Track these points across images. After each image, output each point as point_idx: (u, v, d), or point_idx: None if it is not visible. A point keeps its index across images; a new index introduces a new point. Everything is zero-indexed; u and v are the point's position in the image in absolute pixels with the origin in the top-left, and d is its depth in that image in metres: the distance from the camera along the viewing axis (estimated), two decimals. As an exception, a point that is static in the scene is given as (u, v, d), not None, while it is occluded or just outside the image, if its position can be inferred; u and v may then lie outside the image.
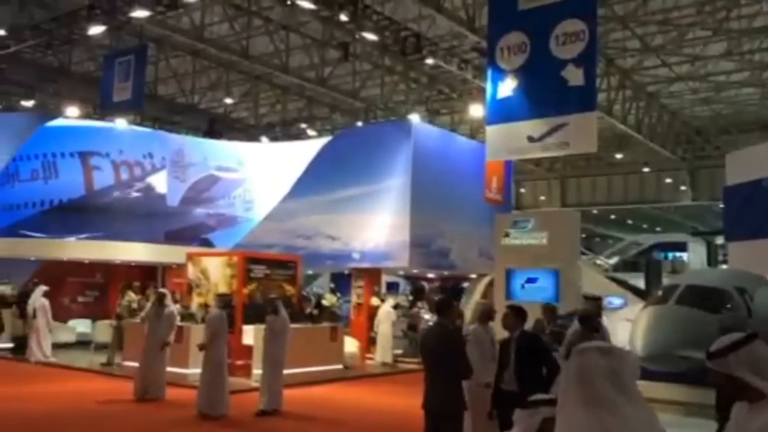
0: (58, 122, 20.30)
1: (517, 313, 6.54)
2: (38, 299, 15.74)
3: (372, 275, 18.77)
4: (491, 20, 12.94)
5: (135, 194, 20.56)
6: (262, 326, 10.92)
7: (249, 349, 13.29)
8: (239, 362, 13.25)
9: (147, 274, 20.34)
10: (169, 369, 11.47)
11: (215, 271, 15.10)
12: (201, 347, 10.28)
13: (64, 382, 13.12)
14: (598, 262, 32.88)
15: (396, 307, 17.91)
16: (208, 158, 22.18)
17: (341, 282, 21.67)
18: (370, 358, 17.25)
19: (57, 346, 16.36)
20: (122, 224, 19.37)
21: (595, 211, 36.30)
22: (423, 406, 6.02)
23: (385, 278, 20.88)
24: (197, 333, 12.02)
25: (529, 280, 13.64)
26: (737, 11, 18.88)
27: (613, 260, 36.33)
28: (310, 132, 27.43)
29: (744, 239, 13.58)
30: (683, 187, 31.14)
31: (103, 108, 20.08)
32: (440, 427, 5.93)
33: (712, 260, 36.06)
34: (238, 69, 25.18)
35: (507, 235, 14.36)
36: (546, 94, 11.46)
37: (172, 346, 11.57)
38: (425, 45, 18.21)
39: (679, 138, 29.07)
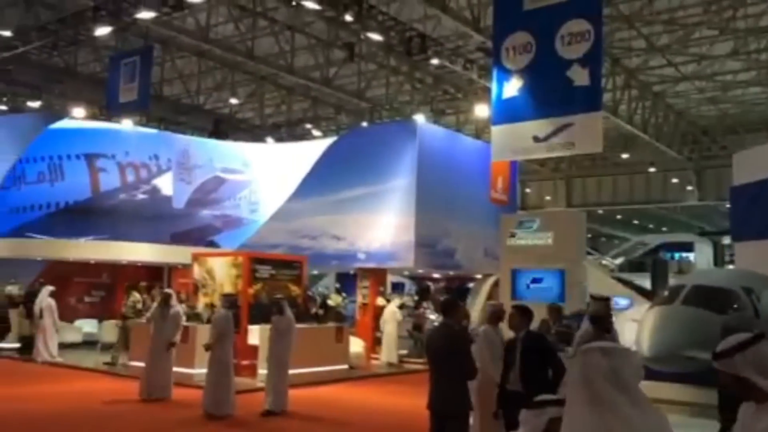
0: (64, 124, 20.37)
1: (522, 313, 6.54)
2: (45, 299, 15.79)
3: (377, 275, 18.77)
4: (496, 20, 12.92)
5: (141, 196, 20.63)
6: (268, 326, 10.93)
7: (254, 349, 13.31)
8: (245, 362, 13.27)
9: (153, 275, 20.38)
10: (175, 369, 11.49)
11: (221, 272, 15.14)
12: (207, 347, 10.30)
13: (70, 382, 13.16)
14: (604, 262, 32.77)
15: (401, 307, 17.90)
16: (214, 160, 22.23)
17: (347, 282, 21.68)
18: (376, 358, 17.25)
19: (63, 346, 16.42)
20: (128, 227, 19.44)
21: (600, 211, 36.22)
22: (428, 406, 6.02)
23: (391, 278, 20.89)
24: (203, 333, 12.03)
25: (535, 280, 13.63)
26: (743, 10, 18.82)
27: (619, 260, 36.22)
28: (316, 132, 27.46)
29: (751, 239, 13.51)
30: (689, 187, 31.04)
31: (109, 109, 20.14)
32: (445, 427, 5.93)
33: (718, 260, 35.92)
34: (243, 69, 25.22)
35: (512, 235, 14.35)
36: (551, 94, 11.44)
37: (177, 346, 11.59)
38: (430, 45, 18.20)
39: (686, 138, 28.99)
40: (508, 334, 7.06)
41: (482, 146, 19.40)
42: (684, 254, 39.54)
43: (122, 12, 17.03)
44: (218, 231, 22.09)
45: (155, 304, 12.56)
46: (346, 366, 14.92)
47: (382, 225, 18.27)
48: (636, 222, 44.85)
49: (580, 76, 11.06)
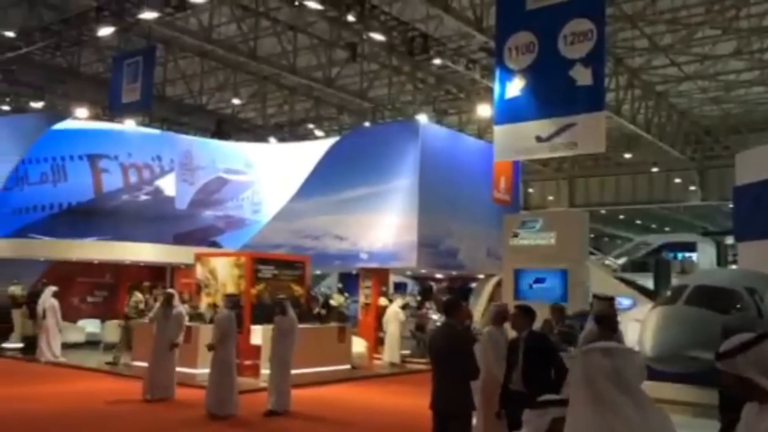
0: (66, 124, 20.38)
1: (525, 313, 6.53)
2: (48, 299, 15.83)
3: (380, 275, 18.77)
4: (499, 20, 12.91)
5: (144, 197, 20.64)
6: (271, 326, 10.94)
7: (257, 349, 13.33)
8: (247, 362, 13.28)
9: (156, 275, 20.42)
10: (177, 369, 11.50)
11: (223, 272, 15.15)
12: (210, 347, 10.31)
13: (73, 382, 13.18)
14: (607, 262, 32.74)
15: (404, 307, 17.91)
16: (216, 160, 22.24)
17: (349, 282, 21.69)
18: (378, 359, 17.25)
19: (66, 346, 16.45)
20: (131, 228, 19.45)
21: (603, 211, 36.18)
22: (431, 407, 6.02)
23: (393, 278, 20.89)
24: (206, 333, 12.05)
25: (537, 281, 13.61)
26: (746, 10, 18.79)
27: (622, 260, 36.18)
28: (318, 132, 27.49)
29: (754, 239, 13.48)
30: (692, 187, 31.00)
31: (111, 109, 20.17)
32: (448, 427, 5.93)
33: (721, 260, 35.85)
34: (245, 70, 25.24)
35: (515, 235, 14.33)
36: (554, 93, 11.43)
37: (180, 346, 11.61)
38: (433, 45, 18.20)
39: (689, 138, 28.95)
40: (512, 334, 7.06)
41: (485, 146, 19.39)
42: (687, 254, 39.47)
43: (125, 12, 17.06)
44: (221, 232, 22.10)
45: (158, 305, 12.58)
46: (348, 366, 14.93)
47: (384, 225, 18.27)
48: (639, 222, 44.80)
49: (582, 76, 11.05)
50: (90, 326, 19.01)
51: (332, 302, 18.82)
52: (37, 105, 23.92)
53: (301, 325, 11.10)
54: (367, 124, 26.05)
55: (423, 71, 24.41)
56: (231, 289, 14.19)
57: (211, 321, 12.19)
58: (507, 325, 7.54)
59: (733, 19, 19.10)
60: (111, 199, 19.95)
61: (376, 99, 26.41)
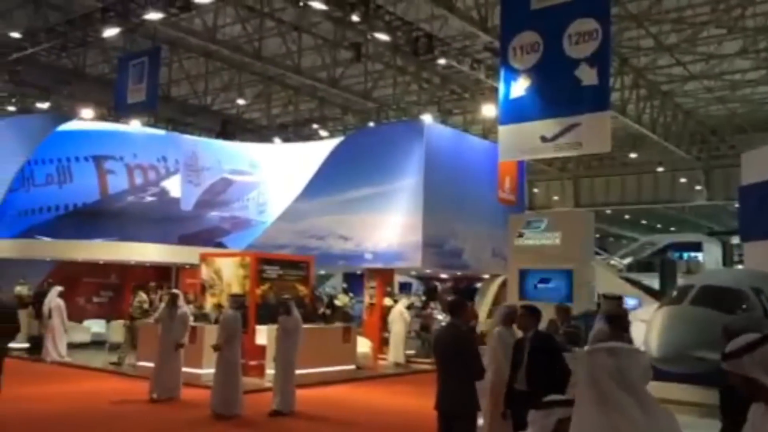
0: (72, 126, 20.44)
1: (531, 313, 6.52)
2: (54, 299, 15.88)
3: (384, 275, 18.77)
4: (504, 20, 12.90)
5: (149, 198, 20.69)
6: (275, 326, 10.95)
7: (262, 349, 13.34)
8: (252, 362, 13.30)
9: (161, 275, 20.46)
10: (183, 369, 11.52)
11: (228, 272, 15.17)
12: (216, 348, 10.33)
13: (79, 382, 13.21)
14: (612, 262, 32.70)
15: (409, 307, 17.90)
16: (222, 161, 22.29)
17: (354, 282, 21.70)
18: (383, 359, 17.24)
19: (72, 346, 16.50)
20: (136, 229, 19.51)
21: (608, 211, 36.12)
22: (436, 407, 6.02)
23: (398, 278, 20.89)
24: (211, 333, 12.07)
25: (543, 281, 13.60)
26: (752, 9, 18.73)
27: (627, 260, 36.13)
28: (323, 133, 27.50)
29: (760, 239, 13.42)
30: (698, 187, 30.91)
31: (117, 110, 20.23)
32: (453, 427, 5.92)
33: (727, 260, 35.76)
34: (250, 70, 25.28)
35: (520, 235, 14.32)
36: (559, 93, 11.41)
37: (186, 346, 11.62)
38: (437, 45, 18.19)
39: (694, 137, 28.86)
40: (520, 335, 7.06)
41: (489, 146, 19.37)
42: (692, 254, 39.40)
43: (130, 13, 17.10)
44: (226, 233, 22.14)
45: (163, 305, 12.60)
46: (353, 366, 14.93)
47: (389, 225, 18.27)
48: (644, 222, 44.71)
49: (588, 76, 11.03)
50: (95, 326, 19.07)
51: (337, 302, 18.80)
52: (43, 106, 24.00)
53: (305, 325, 11.11)
54: (371, 124, 26.06)
55: (428, 71, 24.40)
56: (236, 289, 14.22)
57: (216, 321, 12.20)
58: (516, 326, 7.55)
59: (738, 18, 19.04)
60: (117, 201, 20.01)
61: (380, 99, 26.41)
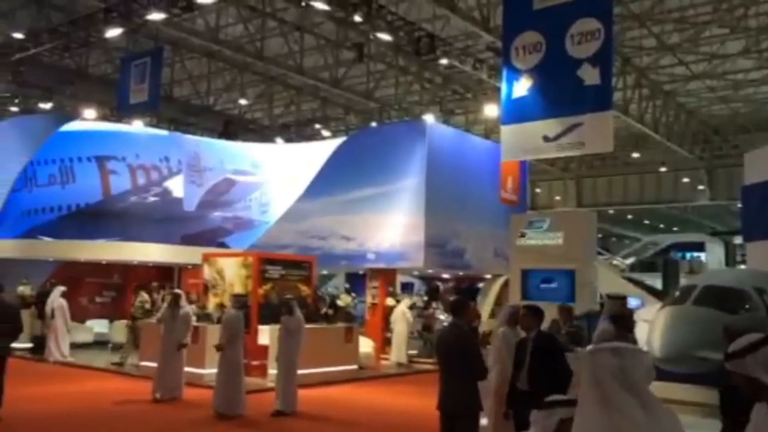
0: (75, 126, 20.44)
1: (534, 313, 6.52)
2: (56, 300, 15.90)
3: (387, 275, 18.77)
4: (506, 20, 12.89)
5: (152, 199, 20.70)
6: (278, 326, 10.96)
7: (264, 350, 13.35)
8: (255, 362, 13.30)
9: (163, 275, 20.48)
10: (185, 369, 11.53)
11: (231, 272, 15.19)
12: (218, 348, 10.34)
13: (82, 382, 13.23)
14: (615, 262, 32.68)
15: (411, 307, 17.91)
16: (224, 161, 22.29)
17: (356, 282, 21.71)
18: (385, 359, 17.25)
19: (75, 346, 16.53)
20: (139, 229, 19.52)
21: (611, 211, 36.08)
22: (438, 407, 6.02)
23: (400, 278, 20.89)
24: (213, 333, 12.07)
25: (545, 281, 13.58)
26: (755, 8, 18.70)
27: (630, 260, 36.09)
28: (325, 133, 27.52)
29: (762, 239, 13.41)
30: (701, 187, 30.87)
31: (119, 110, 20.28)
32: (455, 427, 5.92)
33: (730, 260, 35.71)
34: (252, 70, 25.29)
35: (522, 235, 14.30)
36: (561, 93, 11.40)
37: (188, 346, 11.62)
38: (439, 45, 18.19)
39: (697, 137, 28.82)
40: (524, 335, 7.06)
41: (492, 146, 19.37)
42: (695, 254, 39.35)
43: (133, 14, 17.13)
44: (229, 233, 22.14)
45: (165, 305, 12.61)
46: (355, 366, 14.93)
47: (391, 225, 18.27)
48: (647, 222, 44.65)
49: (590, 76, 11.02)
50: (98, 326, 19.10)
51: (339, 302, 18.82)
52: (46, 106, 24.04)
53: (308, 325, 11.11)
54: (373, 124, 26.07)
55: (430, 71, 24.40)
56: (238, 289, 14.23)
57: (219, 321, 12.21)
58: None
59: (741, 18, 19.01)
60: (119, 201, 20.02)
61: (382, 99, 26.42)
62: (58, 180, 19.38)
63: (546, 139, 11.68)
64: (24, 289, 18.07)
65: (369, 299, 18.95)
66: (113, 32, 17.94)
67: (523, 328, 6.61)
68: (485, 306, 18.43)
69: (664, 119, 25.57)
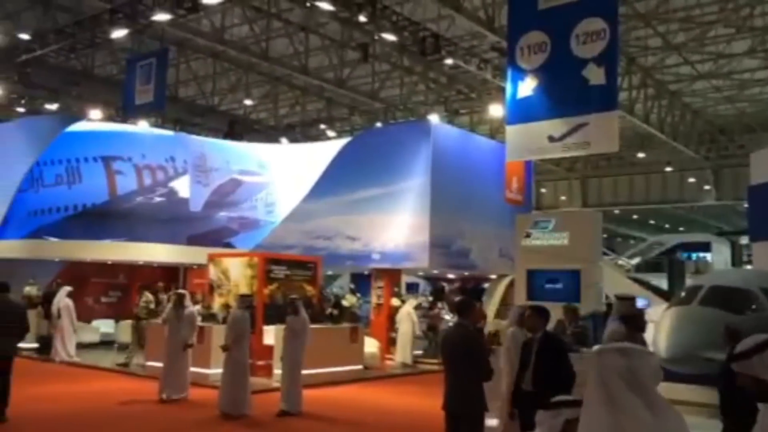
0: (81, 126, 20.50)
1: (539, 314, 6.50)
2: (62, 300, 15.95)
3: (392, 276, 18.77)
4: (511, 20, 12.87)
5: (158, 199, 20.73)
6: (283, 326, 10.97)
7: (270, 350, 13.36)
8: (260, 362, 13.32)
9: (169, 275, 20.53)
10: (191, 369, 11.54)
11: (236, 272, 15.21)
12: (224, 348, 10.35)
13: (88, 381, 13.27)
14: (620, 262, 32.59)
15: (416, 307, 17.91)
16: (230, 162, 22.31)
17: (361, 282, 21.71)
18: (390, 359, 17.25)
19: (81, 346, 16.58)
20: (145, 229, 19.57)
21: (616, 211, 36.00)
22: (443, 407, 6.01)
23: (405, 279, 20.88)
24: (219, 333, 12.10)
25: (550, 281, 13.55)
26: (761, 8, 18.65)
27: (635, 261, 36.02)
28: (330, 133, 27.53)
29: (769, 239, 13.38)
30: (707, 187, 30.78)
31: (125, 110, 20.31)
32: (460, 427, 5.92)
33: (736, 261, 35.61)
34: (257, 70, 25.33)
35: (528, 235, 14.27)
36: (567, 93, 11.38)
37: (194, 346, 11.64)
38: (444, 45, 18.17)
39: (703, 137, 28.73)
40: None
41: (497, 146, 19.35)
42: (701, 254, 39.26)
43: (138, 14, 17.16)
44: (235, 233, 22.15)
45: (170, 305, 12.63)
46: (360, 366, 14.94)
47: (396, 225, 18.27)
48: (652, 222, 44.54)
49: (595, 75, 10.99)
50: (104, 326, 19.15)
51: (344, 302, 18.83)
52: (52, 107, 24.10)
53: (313, 326, 11.12)
54: (378, 124, 26.06)
55: (434, 71, 24.39)
56: (243, 289, 14.25)
57: (224, 321, 12.23)
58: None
59: (747, 18, 18.96)
60: (125, 201, 20.06)
61: (387, 99, 26.42)
62: (64, 180, 19.44)
63: (551, 139, 11.66)
64: (30, 289, 18.14)
65: (374, 299, 18.95)
66: (119, 33, 17.98)
67: (528, 328, 6.59)
68: (491, 306, 18.41)
69: (670, 119, 25.51)
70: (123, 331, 17.20)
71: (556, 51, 11.52)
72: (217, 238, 21.35)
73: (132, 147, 20.57)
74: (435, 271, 20.75)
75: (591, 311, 11.54)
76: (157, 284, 17.30)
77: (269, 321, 13.89)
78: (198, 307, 13.68)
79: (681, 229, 44.33)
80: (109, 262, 20.28)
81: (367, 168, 19.15)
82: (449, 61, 19.02)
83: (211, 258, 16.03)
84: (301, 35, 22.24)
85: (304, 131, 29.15)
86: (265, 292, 14.67)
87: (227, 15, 21.04)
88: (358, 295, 20.95)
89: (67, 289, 16.19)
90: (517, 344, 7.12)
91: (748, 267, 24.50)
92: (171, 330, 11.46)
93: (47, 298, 16.91)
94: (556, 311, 8.40)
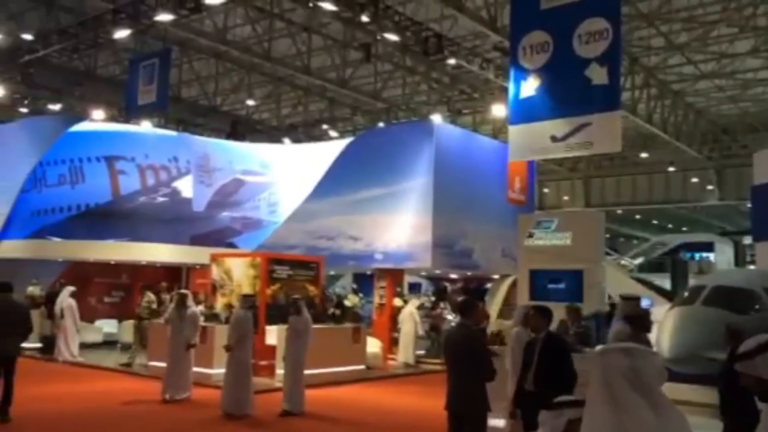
0: (84, 126, 20.52)
1: (542, 314, 6.49)
2: (66, 300, 15.98)
3: (394, 276, 18.77)
4: (513, 19, 12.86)
5: (161, 199, 20.73)
6: (285, 326, 10.97)
7: (272, 350, 13.37)
8: (263, 362, 13.32)
9: (172, 275, 20.55)
10: (193, 369, 11.55)
11: (239, 272, 15.22)
12: (227, 348, 10.36)
13: (91, 381, 13.29)
14: (623, 262, 32.56)
15: (419, 307, 17.90)
16: (233, 162, 22.32)
17: (364, 282, 21.71)
18: (393, 359, 17.25)
19: (84, 346, 16.61)
20: (148, 229, 19.58)
21: (619, 211, 35.96)
22: (446, 407, 6.01)
23: (408, 279, 20.88)
24: (221, 333, 12.10)
25: (553, 281, 13.55)
26: (764, 7, 18.61)
27: (638, 261, 35.98)
28: (332, 133, 27.54)
29: (772, 239, 13.35)
30: (710, 187, 30.73)
31: (128, 111, 20.32)
32: (463, 427, 5.91)
33: (739, 261, 35.55)
34: (260, 71, 25.34)
35: (530, 235, 14.27)
36: (569, 93, 11.36)
37: (196, 346, 11.64)
38: (447, 45, 18.17)
39: (706, 137, 28.69)
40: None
41: (499, 146, 19.34)
42: (704, 254, 39.19)
43: (141, 15, 17.18)
44: (238, 233, 22.15)
45: (172, 305, 12.64)
46: (363, 366, 14.94)
47: (399, 225, 18.27)
48: (655, 222, 44.47)
49: (598, 75, 10.98)
50: (107, 326, 19.19)
51: (347, 303, 18.82)
52: (55, 107, 24.14)
53: (315, 326, 11.12)
54: (381, 124, 26.06)
55: (437, 71, 24.38)
56: (246, 289, 14.25)
57: (227, 321, 12.23)
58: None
59: (750, 17, 18.92)
60: (128, 201, 20.07)
61: (390, 99, 26.42)
62: (67, 180, 19.45)
63: (554, 139, 11.64)
64: (33, 289, 18.17)
65: (376, 299, 18.95)
66: (121, 33, 18.00)
67: (532, 328, 6.59)
68: (493, 306, 18.41)
69: (673, 119, 25.47)
70: (126, 331, 17.22)
71: (558, 51, 11.51)
72: (220, 238, 21.36)
73: (135, 147, 20.59)
74: (438, 271, 20.75)
75: (594, 311, 11.53)
76: (160, 284, 17.32)
77: (272, 321, 13.89)
78: (201, 307, 13.69)
79: (684, 229, 44.26)
80: (112, 262, 20.30)
81: (370, 168, 19.15)
82: (452, 61, 19.01)
83: (214, 258, 16.04)
84: (303, 35, 22.25)
85: (306, 131, 29.16)
86: (268, 292, 14.67)
87: (230, 15, 21.06)
88: (361, 295, 20.93)
89: (70, 289, 16.22)
90: (522, 344, 7.12)
91: (752, 267, 24.46)
92: (174, 330, 11.47)
93: (50, 298, 16.94)
94: (558, 311, 8.40)
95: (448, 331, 10.57)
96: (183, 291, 12.88)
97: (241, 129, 27.99)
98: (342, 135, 26.48)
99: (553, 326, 7.16)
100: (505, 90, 15.49)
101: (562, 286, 13.37)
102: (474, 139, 21.42)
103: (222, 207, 22.02)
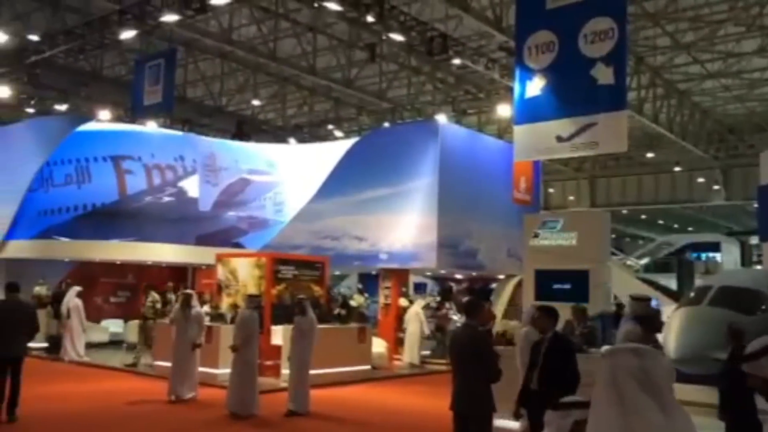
0: (90, 126, 20.57)
1: (549, 314, 6.48)
2: (72, 299, 16.03)
3: (400, 276, 18.77)
4: (519, 19, 12.84)
5: (167, 199, 20.75)
6: (291, 326, 10.98)
7: (278, 350, 13.39)
8: (268, 362, 13.35)
9: (177, 275, 20.59)
10: (199, 369, 11.57)
11: (244, 272, 15.24)
12: (234, 348, 10.37)
13: (97, 381, 13.34)
14: (629, 262, 32.49)
15: (425, 308, 17.90)
16: (239, 161, 22.34)
17: (369, 282, 21.71)
18: (398, 359, 17.25)
19: (90, 346, 16.67)
20: (154, 229, 19.61)
21: (625, 211, 35.87)
22: (451, 407, 6.01)
23: (413, 279, 20.87)
24: (227, 333, 12.13)
25: (558, 281, 13.52)
26: (771, 7, 18.54)
27: (644, 261, 35.91)
28: (338, 133, 27.56)
29: (779, 239, 13.31)
30: (716, 187, 30.60)
31: (134, 111, 20.35)
32: (468, 428, 5.91)
33: (746, 261, 35.44)
34: (265, 71, 25.37)
35: (536, 235, 14.24)
36: (575, 93, 11.34)
37: (202, 346, 11.67)
38: (452, 45, 18.15)
39: (712, 136, 28.58)
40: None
41: (505, 146, 19.32)
42: (710, 254, 39.10)
43: (147, 15, 17.22)
44: (244, 233, 22.16)
45: (177, 305, 12.66)
46: (368, 366, 14.95)
47: (404, 225, 18.26)
48: (661, 222, 44.36)
49: (604, 75, 10.95)
50: (113, 326, 19.25)
51: (352, 303, 18.84)
52: (61, 107, 24.21)
53: (321, 326, 11.14)
54: (386, 124, 26.06)
55: (442, 71, 24.36)
56: (251, 289, 14.27)
57: (232, 321, 12.25)
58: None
59: (756, 17, 18.84)
60: (135, 201, 20.10)
61: (395, 99, 26.41)
62: (74, 180, 19.49)
63: (559, 139, 11.62)
64: (40, 289, 18.24)
65: (382, 300, 18.96)
66: (127, 34, 18.05)
67: (538, 329, 6.58)
68: (499, 306, 18.39)
69: (679, 119, 25.40)
70: (132, 331, 17.27)
71: (564, 50, 11.48)
72: (226, 237, 21.38)
73: (141, 146, 20.63)
74: (443, 272, 20.73)
75: (599, 312, 11.51)
76: (166, 284, 17.36)
77: (277, 321, 13.91)
78: (206, 308, 13.71)
79: (690, 229, 44.13)
80: (118, 262, 20.35)
81: (375, 168, 19.15)
82: (457, 61, 18.99)
83: (219, 258, 16.08)
84: (308, 35, 22.26)
85: (312, 131, 29.19)
86: (273, 292, 14.70)
87: (235, 15, 21.08)
88: (366, 295, 20.95)
89: (77, 289, 16.28)
90: (530, 344, 7.11)
91: (758, 267, 24.36)
92: (179, 330, 11.50)
93: (57, 298, 17.00)
94: (564, 312, 8.38)
95: (453, 331, 10.56)
96: (187, 291, 12.91)
97: (246, 129, 28.02)
98: (347, 135, 26.49)
99: (559, 327, 7.15)
100: (511, 90, 15.48)
101: (567, 286, 13.33)
102: (479, 139, 21.40)
103: (228, 206, 22.04)
